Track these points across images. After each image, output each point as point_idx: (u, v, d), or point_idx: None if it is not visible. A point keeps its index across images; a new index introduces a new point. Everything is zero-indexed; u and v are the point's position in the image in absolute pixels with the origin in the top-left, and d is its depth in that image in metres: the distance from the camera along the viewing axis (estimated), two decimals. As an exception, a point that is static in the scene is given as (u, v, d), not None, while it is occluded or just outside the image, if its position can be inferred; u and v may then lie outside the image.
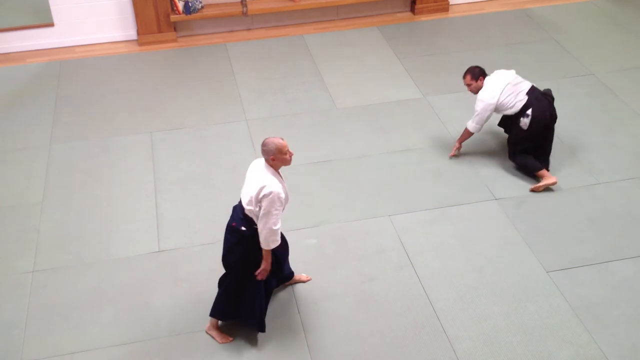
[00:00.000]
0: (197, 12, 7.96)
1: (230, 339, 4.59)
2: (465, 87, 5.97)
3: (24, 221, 5.58)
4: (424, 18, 8.51)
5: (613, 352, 4.47)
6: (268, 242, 4.20)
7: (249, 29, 8.34)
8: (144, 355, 4.51)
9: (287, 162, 4.22)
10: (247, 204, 4.20)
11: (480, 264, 5.12)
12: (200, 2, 7.99)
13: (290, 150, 4.21)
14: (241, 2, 8.04)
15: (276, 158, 4.17)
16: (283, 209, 4.24)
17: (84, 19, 7.87)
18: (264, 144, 4.17)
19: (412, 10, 8.60)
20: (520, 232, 5.39)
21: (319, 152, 6.27)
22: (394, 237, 5.36)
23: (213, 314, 4.58)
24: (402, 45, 7.92)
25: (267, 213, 4.10)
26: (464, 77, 5.87)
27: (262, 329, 4.53)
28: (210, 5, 8.09)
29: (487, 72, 5.92)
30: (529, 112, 5.64)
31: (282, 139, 4.18)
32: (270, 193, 4.07)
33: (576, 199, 5.70)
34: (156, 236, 5.42)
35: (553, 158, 6.05)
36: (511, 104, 5.69)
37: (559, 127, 6.43)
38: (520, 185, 5.84)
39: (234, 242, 4.34)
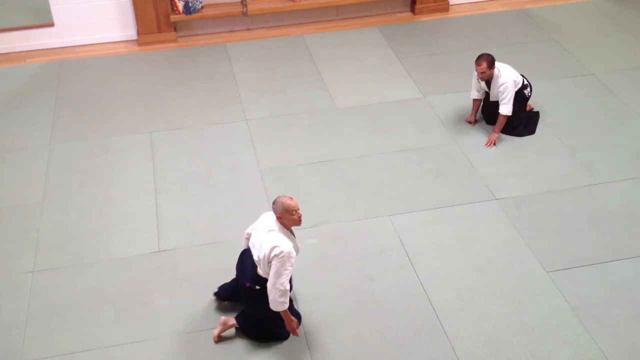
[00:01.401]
0: (197, 12, 7.96)
1: (221, 337, 4.59)
2: (477, 74, 6.15)
3: (23, 221, 5.57)
4: (424, 18, 8.51)
5: (613, 352, 4.47)
6: (276, 303, 4.15)
7: (249, 29, 8.34)
8: (144, 355, 4.51)
9: (296, 223, 4.17)
10: (258, 263, 4.20)
11: (480, 264, 5.12)
12: (200, 2, 7.99)
13: (299, 211, 4.15)
14: (241, 2, 8.04)
15: (283, 217, 4.13)
16: (292, 266, 4.16)
17: (84, 19, 7.87)
18: (274, 202, 4.15)
19: (412, 10, 8.60)
20: (520, 232, 5.39)
21: (319, 152, 6.27)
22: (394, 237, 5.36)
23: (239, 320, 4.55)
24: (402, 45, 7.92)
25: (277, 273, 4.07)
26: (480, 63, 6.05)
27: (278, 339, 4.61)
28: (210, 5, 8.09)
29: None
30: (526, 82, 6.39)
31: (292, 199, 4.12)
32: (281, 253, 4.05)
33: (576, 199, 5.70)
34: (156, 236, 5.41)
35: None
36: (520, 79, 6.29)
37: (558, 127, 6.45)
38: (520, 185, 5.84)
39: (252, 299, 4.38)
